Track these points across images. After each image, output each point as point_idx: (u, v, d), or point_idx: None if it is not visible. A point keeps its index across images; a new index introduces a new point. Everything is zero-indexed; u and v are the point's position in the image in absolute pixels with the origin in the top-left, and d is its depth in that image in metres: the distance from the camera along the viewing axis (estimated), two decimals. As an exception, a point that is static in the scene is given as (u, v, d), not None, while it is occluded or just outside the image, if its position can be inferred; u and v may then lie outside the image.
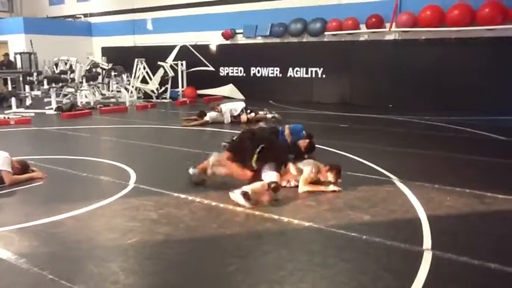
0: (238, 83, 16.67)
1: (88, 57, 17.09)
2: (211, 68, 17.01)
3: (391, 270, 3.19)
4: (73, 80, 14.73)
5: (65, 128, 9.62)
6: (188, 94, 16.02)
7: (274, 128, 7.00)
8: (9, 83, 14.49)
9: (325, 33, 14.38)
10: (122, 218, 4.25)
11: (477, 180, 5.41)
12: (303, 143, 6.69)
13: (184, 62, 16.25)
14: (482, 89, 11.88)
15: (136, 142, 8.13)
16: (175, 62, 16.06)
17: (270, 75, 15.93)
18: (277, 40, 15.60)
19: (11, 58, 18.09)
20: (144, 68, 15.61)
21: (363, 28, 13.63)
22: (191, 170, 5.33)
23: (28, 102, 13.45)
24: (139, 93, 16.02)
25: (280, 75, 15.69)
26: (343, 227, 3.95)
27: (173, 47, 16.66)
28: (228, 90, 16.83)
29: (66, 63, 16.64)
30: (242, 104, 10.63)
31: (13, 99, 12.29)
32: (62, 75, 14.84)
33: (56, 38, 19.19)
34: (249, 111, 10.43)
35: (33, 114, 11.56)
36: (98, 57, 18.69)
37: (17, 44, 19.01)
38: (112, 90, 15.58)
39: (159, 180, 5.53)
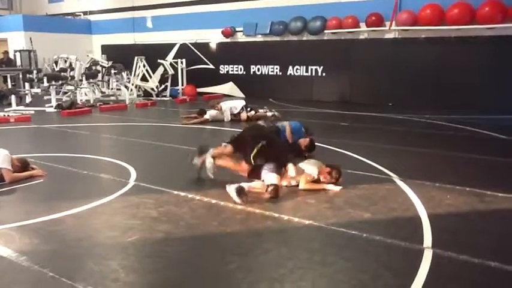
0: (238, 81, 16.65)
1: (88, 55, 17.06)
2: (211, 66, 16.99)
3: (391, 269, 3.20)
4: (73, 77, 14.69)
5: (65, 126, 9.61)
6: (188, 92, 16.01)
7: (274, 127, 6.96)
8: (8, 80, 14.47)
9: (325, 31, 14.35)
10: (122, 216, 4.26)
11: (477, 179, 5.42)
12: (303, 142, 6.68)
13: (184, 60, 16.24)
14: (482, 88, 11.88)
15: (136, 140, 8.13)
16: (175, 60, 16.04)
17: (270, 73, 15.91)
18: (277, 38, 15.58)
19: (11, 56, 18.06)
20: (144, 66, 15.59)
21: (363, 26, 13.62)
22: (195, 160, 5.41)
23: (28, 100, 13.44)
24: (139, 91, 16.00)
25: (280, 73, 15.68)
26: (343, 225, 3.96)
27: (173, 45, 16.62)
28: (228, 88, 16.82)
29: (65, 61, 16.59)
30: (242, 102, 10.62)
31: (13, 97, 12.27)
32: (62, 73, 14.81)
33: (56, 36, 19.16)
34: (249, 109, 10.43)
35: (33, 112, 11.55)
36: (98, 55, 18.66)
37: (16, 41, 18.98)
38: (112, 88, 15.56)
39: (159, 178, 5.53)
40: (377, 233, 3.77)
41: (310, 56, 14.79)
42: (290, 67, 15.41)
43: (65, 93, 14.89)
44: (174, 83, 15.95)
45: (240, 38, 16.59)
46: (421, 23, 12.44)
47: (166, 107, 13.82)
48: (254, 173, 5.05)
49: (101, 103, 13.28)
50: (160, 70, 16.13)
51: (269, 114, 10.47)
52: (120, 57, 16.57)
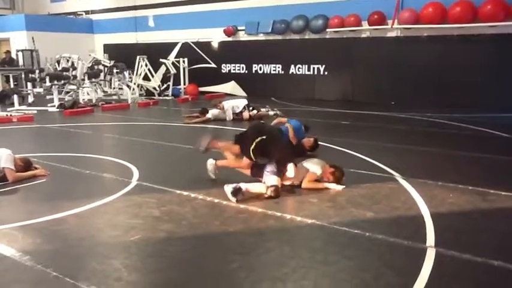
0: (240, 80, 16.65)
1: (90, 55, 17.08)
2: (213, 65, 16.96)
3: (394, 268, 3.19)
4: (75, 77, 14.69)
5: (67, 126, 9.62)
6: (190, 91, 16.01)
7: (276, 127, 6.91)
8: (11, 80, 14.50)
9: (327, 30, 14.34)
10: (125, 215, 4.26)
11: (480, 177, 5.40)
12: (307, 142, 6.68)
13: (186, 59, 16.22)
14: (484, 86, 11.84)
15: (138, 139, 8.14)
16: (177, 59, 16.02)
17: (272, 72, 15.90)
18: (279, 37, 15.57)
19: (13, 55, 18.09)
20: (146, 65, 15.59)
21: (365, 25, 13.59)
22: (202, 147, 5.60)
23: (30, 99, 13.44)
24: (141, 90, 16.00)
25: (282, 72, 15.66)
26: (345, 224, 3.96)
27: (175, 44, 16.59)
28: (230, 87, 16.82)
29: (68, 61, 16.62)
30: (244, 101, 10.61)
31: (15, 97, 12.29)
32: (64, 73, 14.82)
33: (58, 35, 19.19)
34: (251, 108, 10.42)
35: (35, 111, 11.56)
36: (100, 55, 18.69)
37: (18, 41, 19.01)
38: (114, 88, 15.58)
39: (161, 177, 5.54)
40: (379, 232, 3.77)
41: (312, 54, 14.77)
42: (292, 66, 15.39)
43: (67, 92, 14.90)
44: (176, 82, 15.95)
45: (242, 36, 16.58)
46: (423, 21, 12.42)
47: (169, 106, 13.83)
48: (257, 173, 5.05)
49: (103, 102, 13.29)
50: (163, 69, 16.12)
51: (271, 113, 10.48)
52: (122, 57, 16.60)
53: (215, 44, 17.05)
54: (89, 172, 5.77)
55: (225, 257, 3.39)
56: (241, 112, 10.28)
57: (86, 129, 9.32)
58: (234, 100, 10.85)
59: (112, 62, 15.46)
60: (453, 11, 11.85)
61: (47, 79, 13.21)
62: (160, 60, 15.84)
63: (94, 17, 21.17)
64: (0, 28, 19.80)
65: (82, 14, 21.42)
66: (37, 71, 14.89)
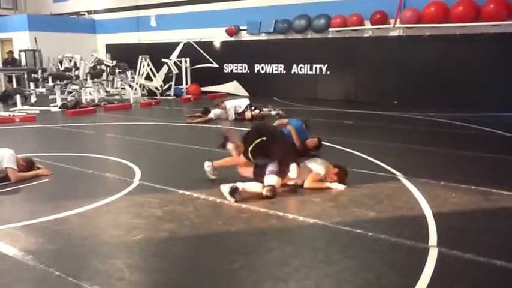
0: (243, 80, 16.65)
1: (92, 55, 17.12)
2: (215, 65, 17.00)
3: (396, 267, 3.19)
4: (77, 77, 14.73)
5: (70, 126, 9.64)
6: (192, 91, 16.03)
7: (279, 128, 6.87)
8: (14, 80, 14.53)
9: (329, 29, 14.33)
10: (127, 215, 4.27)
11: (482, 177, 5.39)
12: (311, 142, 6.66)
13: (188, 59, 16.25)
14: (487, 85, 11.81)
15: (140, 139, 8.15)
16: (180, 59, 16.06)
17: (274, 72, 15.90)
18: (281, 37, 15.57)
19: (16, 55, 18.13)
20: (149, 65, 15.62)
21: (367, 24, 13.58)
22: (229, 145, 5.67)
23: (33, 99, 13.49)
24: (143, 90, 16.04)
25: (285, 72, 15.66)
26: (348, 224, 3.95)
27: (177, 43, 16.65)
28: (232, 87, 16.82)
29: (70, 61, 16.65)
30: (246, 101, 10.60)
31: (18, 97, 12.33)
32: (67, 73, 14.87)
33: (60, 35, 19.22)
34: (253, 108, 10.42)
35: (38, 111, 11.59)
36: (102, 55, 18.72)
37: (21, 41, 19.04)
38: (116, 88, 15.61)
39: (163, 177, 5.54)
40: (382, 232, 3.76)
41: (315, 54, 14.76)
42: (294, 65, 15.39)
43: (70, 92, 14.93)
44: (179, 82, 15.97)
45: (244, 36, 16.58)
46: (425, 21, 12.40)
47: (171, 106, 13.84)
48: (259, 173, 5.03)
49: (106, 102, 13.32)
50: (165, 69, 16.16)
51: (273, 113, 10.48)
52: (125, 57, 16.62)
53: (217, 44, 17.07)
54: (91, 172, 5.78)
55: (227, 256, 3.39)
56: (243, 112, 10.27)
57: (88, 129, 9.33)
58: (236, 100, 10.85)
59: (114, 62, 15.50)
60: (456, 10, 11.83)
61: (50, 79, 13.24)
62: (163, 60, 15.89)
63: (96, 17, 21.20)
64: (3, 28, 19.85)
65: (84, 14, 21.46)
66: (39, 71, 14.93)
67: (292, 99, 14.33)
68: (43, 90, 14.08)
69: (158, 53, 16.28)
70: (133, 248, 3.53)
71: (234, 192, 4.52)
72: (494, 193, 4.80)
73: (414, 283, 2.93)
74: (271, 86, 15.69)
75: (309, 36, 15.04)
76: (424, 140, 7.87)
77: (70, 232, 3.84)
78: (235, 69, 16.83)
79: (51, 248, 3.53)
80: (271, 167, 4.90)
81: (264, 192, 4.66)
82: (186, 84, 16.23)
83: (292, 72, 15.48)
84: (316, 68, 14.96)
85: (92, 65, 15.65)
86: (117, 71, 15.10)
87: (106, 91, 15.21)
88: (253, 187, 4.74)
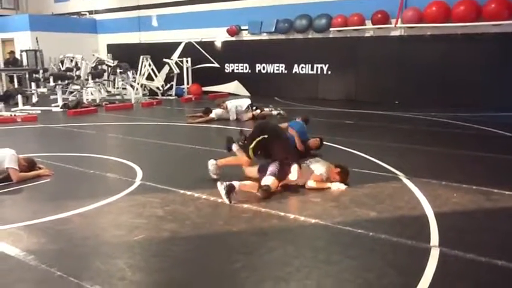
0: (244, 80, 16.66)
1: (93, 54, 17.13)
2: (217, 65, 17.01)
3: (398, 267, 3.19)
4: (79, 77, 14.76)
5: (71, 126, 9.65)
6: (193, 91, 16.04)
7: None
8: (15, 80, 14.55)
9: (331, 29, 14.33)
10: (129, 215, 4.27)
11: (484, 177, 5.39)
12: (314, 143, 6.66)
13: (189, 59, 16.27)
14: (488, 85, 11.80)
15: (142, 139, 8.15)
16: (181, 59, 16.07)
17: (276, 71, 15.90)
18: (283, 36, 15.58)
19: (17, 55, 18.15)
20: (150, 65, 15.64)
21: (369, 24, 13.59)
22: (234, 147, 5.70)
23: (34, 99, 13.50)
24: (144, 90, 16.05)
25: (286, 71, 15.66)
26: (349, 224, 3.95)
27: (178, 43, 16.65)
28: (234, 87, 16.83)
29: (71, 61, 16.68)
30: (247, 101, 10.61)
31: (19, 97, 12.33)
32: (68, 73, 14.89)
33: (62, 35, 19.26)
34: (254, 108, 10.42)
35: (39, 111, 11.61)
36: (104, 54, 18.73)
37: (22, 41, 19.08)
38: (117, 88, 15.62)
39: (165, 177, 5.55)
40: (383, 232, 3.76)
41: (316, 54, 14.76)
42: (295, 65, 15.39)
43: (71, 92, 14.96)
44: (180, 82, 15.98)
45: (245, 36, 16.58)
46: (427, 20, 12.39)
47: (172, 106, 13.85)
48: (263, 174, 5.03)
49: (107, 102, 13.33)
50: (166, 69, 16.16)
51: (274, 112, 10.48)
52: (126, 57, 16.64)
53: (218, 44, 17.07)
54: (92, 172, 5.78)
55: (228, 256, 3.39)
56: (244, 112, 10.27)
57: (89, 129, 9.34)
58: (237, 100, 10.85)
59: (115, 62, 15.51)
60: (457, 9, 11.82)
61: (51, 79, 13.25)
62: (164, 60, 15.89)
63: (97, 17, 21.22)
64: (4, 28, 19.89)
65: (86, 14, 21.48)
66: (41, 71, 14.95)
67: (293, 99, 14.33)
68: (44, 90, 14.09)
69: (159, 52, 16.30)
70: (134, 248, 3.53)
71: (230, 190, 4.49)
72: (496, 193, 4.80)
73: (415, 283, 2.93)
74: (272, 86, 15.70)
75: (310, 36, 15.04)
76: (425, 139, 7.87)
77: (72, 232, 3.85)
78: (237, 69, 16.83)
79: (53, 248, 3.53)
80: (272, 167, 4.90)
81: (258, 192, 4.65)
82: (187, 84, 16.24)
83: (294, 72, 15.48)
84: (317, 67, 14.96)
85: (93, 65, 15.67)
86: (118, 71, 15.12)
87: (107, 91, 15.22)
88: (249, 186, 4.74)
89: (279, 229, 3.92)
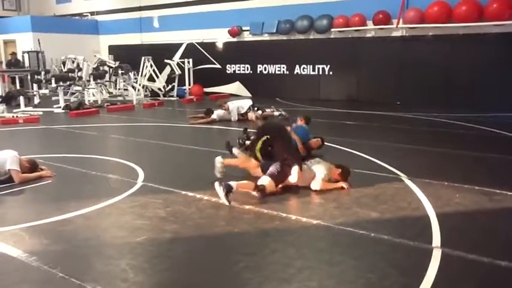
0: (245, 81, 16.66)
1: (95, 56, 17.14)
2: (218, 66, 17.01)
3: (400, 268, 3.18)
4: (80, 78, 14.78)
5: (73, 127, 9.66)
6: (195, 92, 16.04)
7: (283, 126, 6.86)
8: (17, 81, 14.57)
9: (332, 30, 14.33)
10: (130, 216, 4.27)
11: (486, 177, 5.39)
12: (315, 144, 6.66)
13: (191, 60, 16.28)
14: (490, 85, 11.79)
15: (143, 140, 8.16)
16: (182, 60, 16.08)
17: (277, 72, 15.90)
18: (284, 37, 15.58)
19: (19, 57, 18.18)
20: (151, 66, 15.64)
21: (370, 24, 13.58)
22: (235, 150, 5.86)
23: (36, 100, 13.52)
24: (146, 91, 16.06)
25: (287, 72, 15.66)
26: (351, 225, 3.95)
27: (180, 44, 16.66)
28: (235, 87, 16.83)
29: (73, 62, 16.69)
30: (249, 102, 10.61)
31: (21, 98, 12.35)
32: (70, 74, 14.91)
33: (63, 37, 19.29)
34: (256, 108, 10.42)
35: (41, 112, 11.62)
36: (105, 56, 18.73)
37: (24, 42, 19.12)
38: (119, 89, 15.63)
39: (167, 178, 5.55)
40: (385, 233, 3.76)
41: (317, 54, 14.76)
42: (297, 66, 15.39)
43: (73, 93, 14.98)
44: (181, 83, 15.99)
45: (247, 37, 16.59)
46: (428, 21, 12.38)
47: (174, 107, 13.86)
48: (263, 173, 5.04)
49: (109, 103, 13.34)
50: (167, 70, 16.18)
51: (276, 113, 10.48)
52: (127, 58, 16.64)
53: (220, 45, 17.08)
54: (94, 173, 5.79)
55: (230, 257, 3.39)
56: (246, 113, 10.28)
57: (91, 130, 9.35)
58: (239, 101, 10.85)
59: (117, 63, 15.52)
60: (458, 10, 11.81)
61: (53, 80, 13.27)
62: (165, 61, 15.90)
63: (99, 18, 21.25)
64: (6, 30, 19.93)
65: (87, 15, 21.52)
66: (43, 73, 14.96)
67: (294, 99, 14.33)
68: (46, 91, 14.11)
69: (161, 54, 16.30)
70: (136, 249, 3.53)
71: (228, 191, 4.49)
72: (498, 193, 4.79)
73: (418, 284, 2.93)
74: (273, 87, 15.70)
75: (311, 37, 15.04)
76: (427, 140, 7.86)
77: (74, 233, 3.85)
78: (238, 70, 16.84)
79: (55, 249, 3.54)
80: (272, 168, 4.90)
81: (254, 192, 4.65)
82: (189, 85, 16.25)
83: (295, 72, 15.48)
84: (318, 68, 14.95)
85: (95, 66, 15.68)
86: (120, 72, 15.13)
87: (109, 92, 15.23)
88: (246, 186, 4.73)
89: (281, 230, 3.92)
